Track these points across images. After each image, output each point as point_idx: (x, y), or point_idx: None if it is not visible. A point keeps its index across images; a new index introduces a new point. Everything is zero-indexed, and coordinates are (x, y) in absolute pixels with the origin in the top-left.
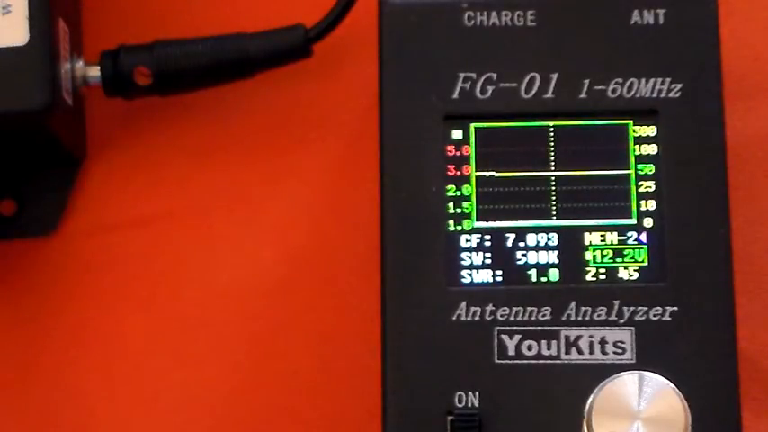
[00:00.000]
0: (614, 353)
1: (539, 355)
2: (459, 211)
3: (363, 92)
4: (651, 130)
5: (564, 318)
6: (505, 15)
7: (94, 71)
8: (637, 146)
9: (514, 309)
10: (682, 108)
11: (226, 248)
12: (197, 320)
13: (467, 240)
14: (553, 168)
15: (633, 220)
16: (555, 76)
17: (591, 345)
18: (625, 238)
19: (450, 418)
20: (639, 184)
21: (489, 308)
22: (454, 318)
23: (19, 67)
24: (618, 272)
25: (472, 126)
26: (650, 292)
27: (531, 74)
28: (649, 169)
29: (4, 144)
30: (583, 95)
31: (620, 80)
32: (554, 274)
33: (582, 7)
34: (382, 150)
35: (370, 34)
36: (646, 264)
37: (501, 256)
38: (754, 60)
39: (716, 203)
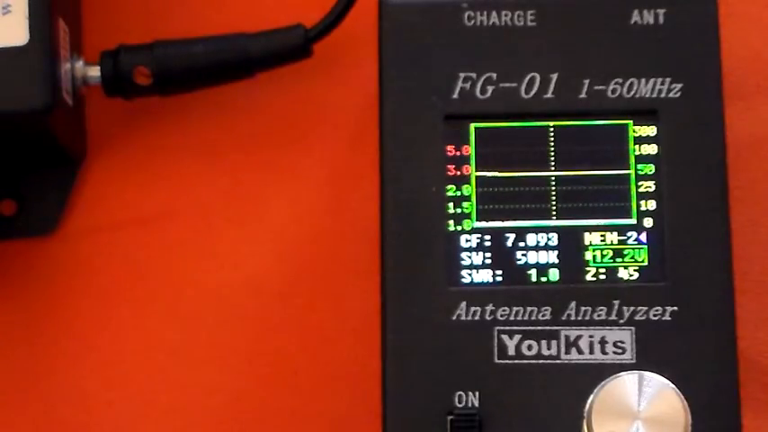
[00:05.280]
0: (614, 353)
1: (539, 355)
2: (459, 211)
3: (363, 92)
4: (651, 130)
5: (564, 318)
6: (505, 15)
7: (94, 71)
8: (637, 146)
9: (514, 309)
10: (682, 108)
11: (226, 248)
12: (197, 320)
13: (467, 240)
14: (553, 168)
15: (633, 220)
16: (555, 76)
17: (591, 345)
18: (625, 238)
19: (450, 418)
20: (639, 184)
21: (489, 308)
22: (454, 318)
23: (19, 67)
24: (618, 272)
25: (472, 126)
26: (650, 292)
27: (531, 74)
28: (649, 169)
29: (4, 144)
30: (583, 95)
31: (620, 80)
32: (554, 274)
33: (582, 7)
34: (382, 150)
35: (370, 34)
36: (646, 264)
37: (501, 256)
38: (754, 60)
39: (716, 203)
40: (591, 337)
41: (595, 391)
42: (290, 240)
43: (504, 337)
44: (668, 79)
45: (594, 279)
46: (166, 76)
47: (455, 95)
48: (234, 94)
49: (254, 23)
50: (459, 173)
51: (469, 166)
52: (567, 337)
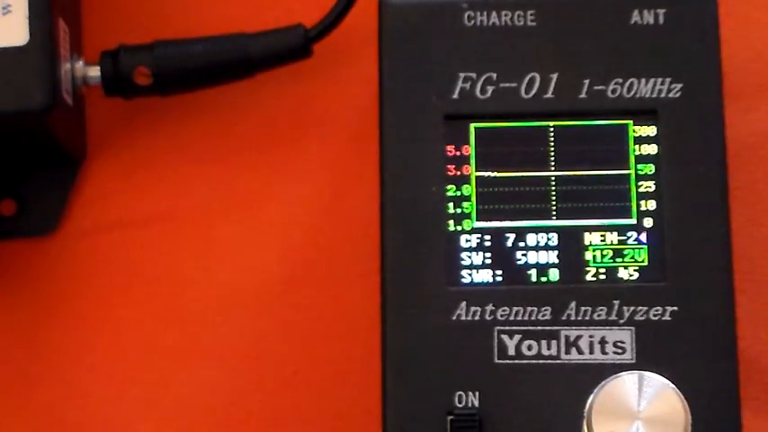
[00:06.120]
0: (614, 353)
1: (539, 355)
2: (459, 211)
3: (363, 92)
4: (651, 130)
5: (564, 318)
6: (505, 15)
7: (94, 71)
8: (637, 146)
9: (514, 309)
10: (682, 108)
11: (226, 248)
12: (197, 320)
13: (467, 240)
14: (553, 168)
15: (633, 220)
16: (555, 76)
17: (591, 345)
18: (625, 238)
19: (450, 418)
20: (639, 184)
21: (489, 308)
22: (454, 318)
23: (19, 67)
24: (618, 272)
25: (472, 126)
26: (650, 292)
27: (531, 74)
28: (649, 169)
29: (4, 144)
30: (583, 95)
31: (620, 80)
32: (554, 274)
33: (582, 7)
34: (382, 150)
35: (370, 34)
36: (646, 264)
37: (501, 256)
38: (754, 60)
39: (716, 203)
40: (591, 337)
41: (595, 391)
42: (290, 240)
43: (504, 337)
44: (668, 79)
45: (594, 279)
46: (166, 76)
47: (455, 95)
48: (234, 94)
49: (254, 23)
50: (459, 173)
51: (469, 166)
52: (567, 337)
